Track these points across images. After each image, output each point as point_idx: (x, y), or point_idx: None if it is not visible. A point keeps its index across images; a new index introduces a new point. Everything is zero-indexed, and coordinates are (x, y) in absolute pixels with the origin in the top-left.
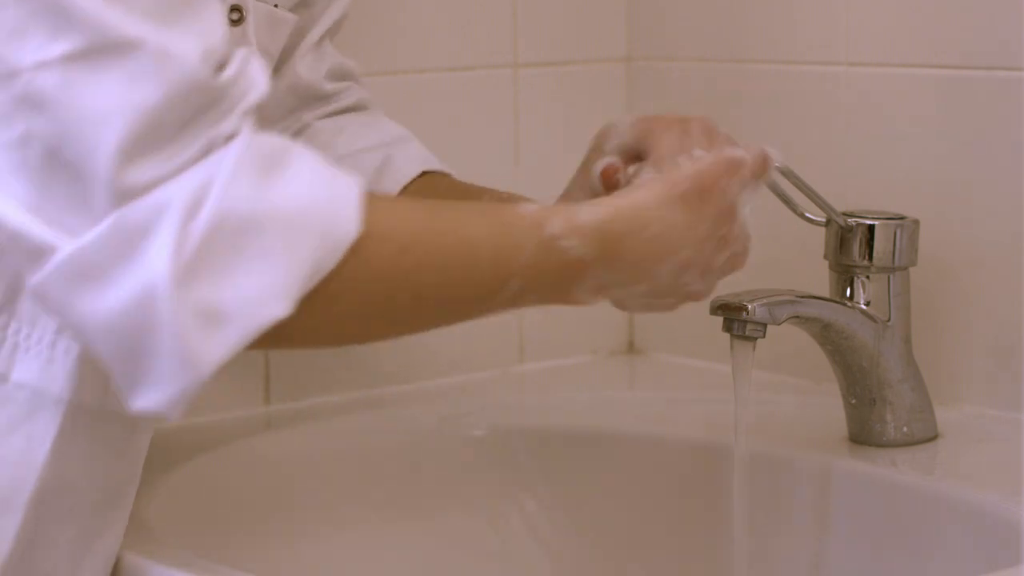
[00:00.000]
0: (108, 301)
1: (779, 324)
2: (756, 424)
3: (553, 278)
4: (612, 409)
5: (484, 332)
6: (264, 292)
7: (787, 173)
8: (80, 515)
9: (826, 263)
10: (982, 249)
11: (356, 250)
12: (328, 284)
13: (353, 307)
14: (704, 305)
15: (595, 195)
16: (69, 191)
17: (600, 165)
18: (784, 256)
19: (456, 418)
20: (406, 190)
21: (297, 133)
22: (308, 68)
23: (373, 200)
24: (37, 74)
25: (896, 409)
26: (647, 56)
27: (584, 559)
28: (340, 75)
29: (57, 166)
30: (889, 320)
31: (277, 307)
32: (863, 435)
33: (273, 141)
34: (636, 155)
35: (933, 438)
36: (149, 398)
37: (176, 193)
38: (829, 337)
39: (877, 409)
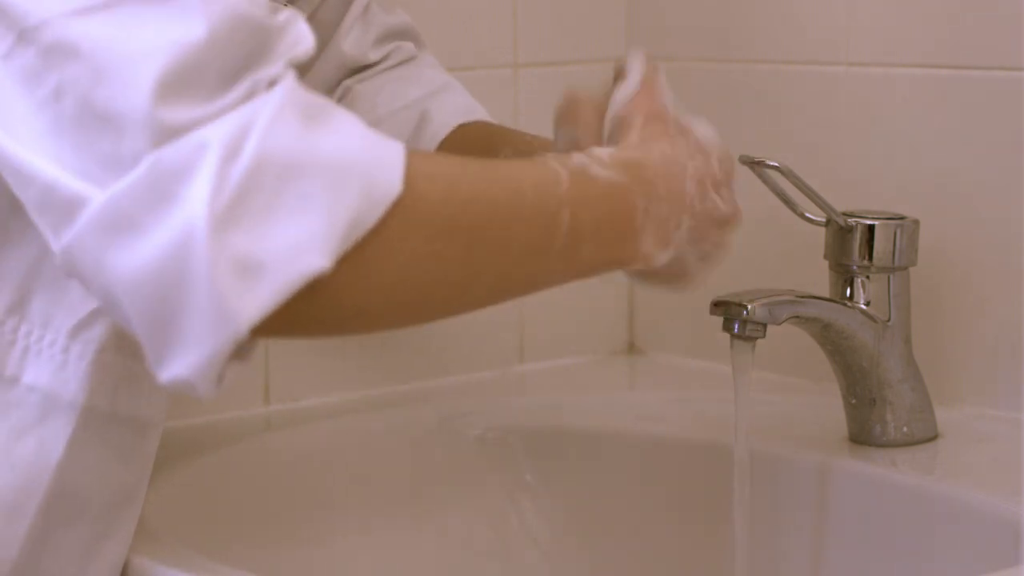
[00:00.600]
0: (142, 253)
1: (779, 324)
2: (756, 424)
3: (603, 209)
4: (612, 409)
5: (484, 332)
6: (303, 242)
7: (787, 173)
8: (88, 519)
9: (826, 263)
10: (982, 249)
11: (400, 206)
12: (374, 241)
13: (403, 265)
14: (704, 305)
15: None
16: (103, 142)
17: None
18: (784, 256)
19: (456, 418)
20: (443, 144)
21: (339, 100)
22: (353, 43)
23: (412, 158)
24: (71, 21)
25: (896, 409)
26: (647, 56)
27: (584, 559)
28: (389, 36)
29: (91, 117)
30: (889, 320)
31: (316, 259)
32: (863, 435)
33: (315, 95)
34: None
35: (933, 438)
36: (180, 363)
37: (216, 133)
38: (829, 337)
39: (877, 409)
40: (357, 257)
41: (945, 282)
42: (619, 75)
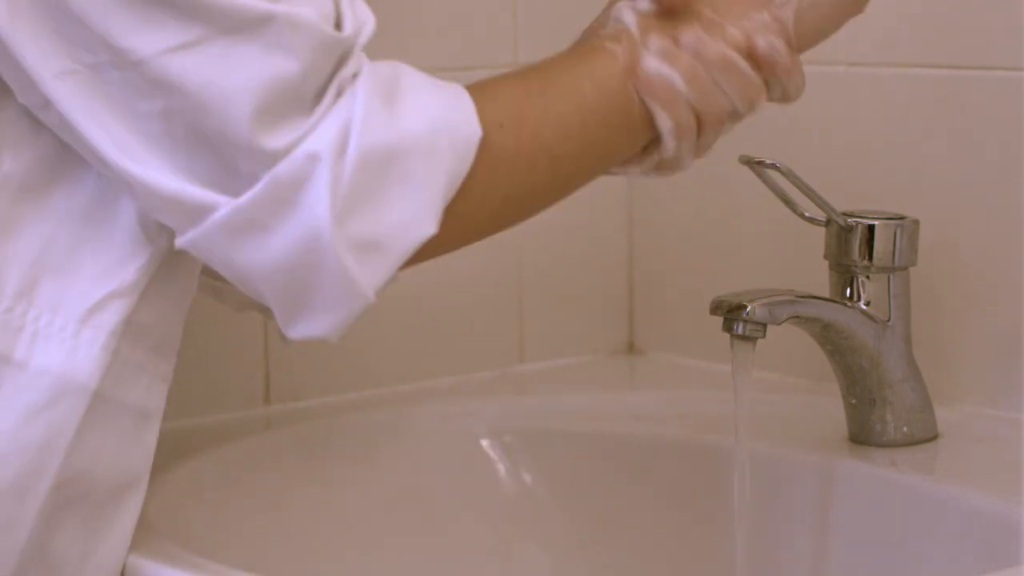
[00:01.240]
0: (271, 249)
1: (779, 324)
2: (756, 424)
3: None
4: (612, 409)
5: (484, 332)
6: (412, 215)
7: (787, 173)
8: (91, 504)
9: (826, 263)
10: (982, 249)
11: (482, 149)
12: (468, 188)
13: (496, 197)
14: (704, 305)
15: None
16: (219, 156)
17: None
18: (784, 256)
19: (456, 418)
20: None
21: None
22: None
23: (477, 99)
24: (172, 59)
25: (896, 409)
26: None
27: (584, 559)
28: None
29: (203, 140)
30: (889, 320)
31: (425, 227)
32: (863, 435)
33: (383, 64)
34: None
35: (933, 438)
36: (314, 325)
37: (322, 141)
38: (829, 337)
39: (877, 409)
40: (458, 207)
41: (945, 282)
42: None
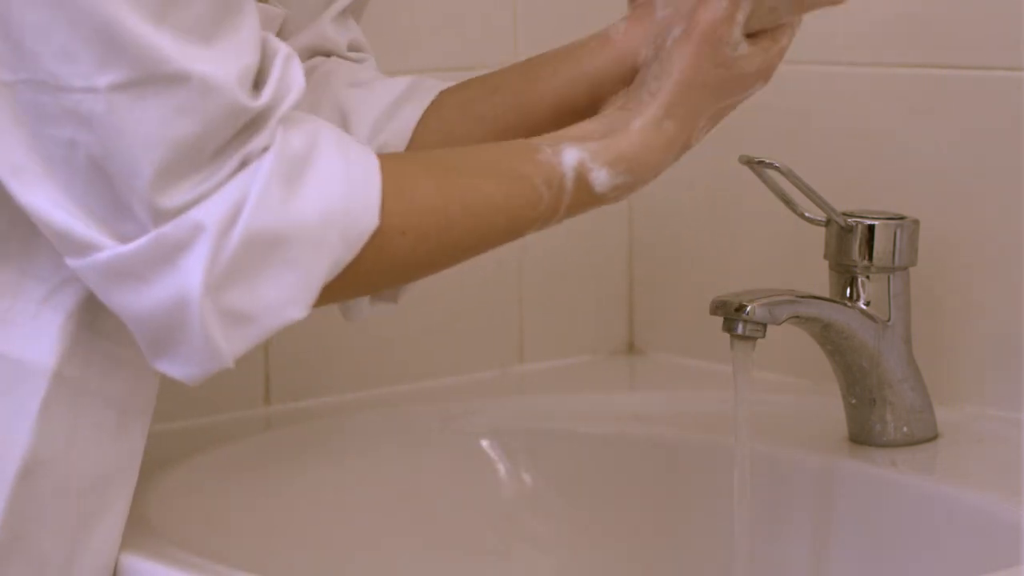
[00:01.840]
0: (143, 300)
1: (779, 324)
2: (756, 424)
3: (578, 210)
4: (612, 409)
5: (484, 332)
6: (285, 299)
7: (787, 173)
8: (73, 496)
9: (826, 263)
10: (982, 249)
11: (372, 242)
12: (345, 274)
13: (367, 288)
14: (704, 305)
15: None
16: (114, 197)
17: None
18: (784, 256)
19: (456, 418)
20: (436, 102)
21: (313, 68)
22: (334, 31)
23: (388, 182)
24: (85, 97)
25: (896, 409)
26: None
27: (584, 559)
28: (358, 48)
29: (102, 175)
30: (889, 320)
31: (295, 311)
32: (863, 435)
33: (302, 137)
34: None
35: (933, 438)
36: (175, 369)
37: (212, 213)
38: (829, 337)
39: (877, 409)
40: (335, 284)
41: (945, 282)
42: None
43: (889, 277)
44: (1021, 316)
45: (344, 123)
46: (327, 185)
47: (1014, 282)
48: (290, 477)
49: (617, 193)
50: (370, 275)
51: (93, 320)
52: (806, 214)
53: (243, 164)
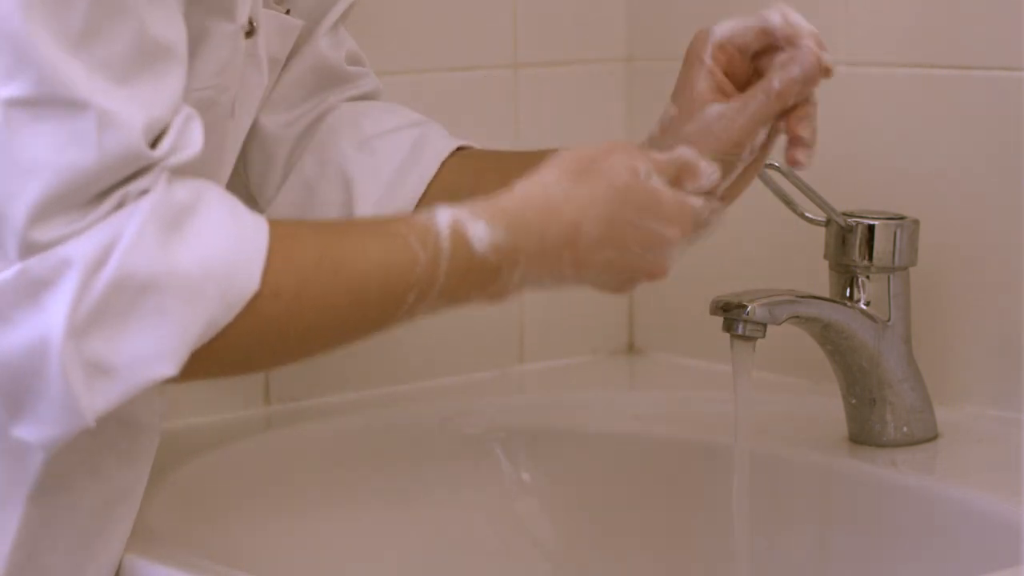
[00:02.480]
0: (7, 340)
1: (779, 324)
2: (756, 424)
3: (463, 277)
4: (612, 409)
5: (484, 332)
6: (154, 352)
7: (787, 173)
8: (82, 516)
9: (826, 263)
10: (982, 249)
11: (252, 305)
12: (217, 339)
13: (240, 356)
14: (704, 305)
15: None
16: None
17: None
18: (784, 256)
19: (456, 418)
20: (445, 164)
21: (320, 116)
22: (330, 47)
23: (274, 243)
24: None
25: (896, 409)
26: (647, 56)
27: (584, 559)
28: (355, 60)
29: None
30: (889, 320)
31: (164, 367)
32: (863, 435)
33: (187, 189)
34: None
35: (933, 438)
36: (30, 431)
37: (81, 250)
38: (829, 337)
39: (877, 409)
40: (201, 349)
41: (945, 282)
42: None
43: (889, 277)
44: (1021, 316)
45: (348, 192)
46: (210, 237)
47: (1014, 282)
48: (290, 477)
49: (500, 256)
50: (243, 342)
51: None
52: (806, 214)
53: (120, 205)
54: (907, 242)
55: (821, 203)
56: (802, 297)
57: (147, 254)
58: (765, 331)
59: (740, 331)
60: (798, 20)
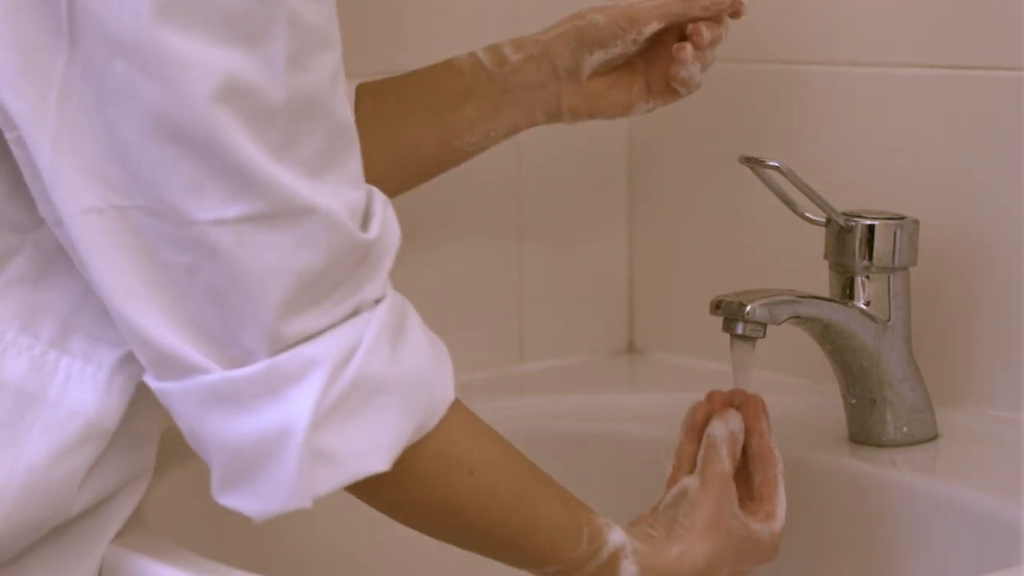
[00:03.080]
0: (239, 427)
1: (779, 324)
2: None
3: None
4: (612, 409)
5: (484, 332)
6: (374, 447)
7: (787, 173)
8: (73, 534)
9: (826, 263)
10: (982, 249)
11: (440, 423)
12: (420, 445)
13: (431, 471)
14: (704, 305)
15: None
16: (226, 323)
17: None
18: (784, 256)
19: None
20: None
21: None
22: None
23: (455, 407)
24: (212, 229)
25: (896, 409)
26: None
27: None
28: None
29: (217, 301)
30: (889, 320)
31: (379, 463)
32: (863, 435)
33: (401, 303)
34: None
35: (933, 438)
36: (245, 504)
37: (327, 351)
38: (829, 337)
39: (877, 409)
40: (405, 459)
41: (945, 282)
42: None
43: (889, 277)
44: (1021, 316)
45: None
46: (420, 348)
47: (1014, 282)
48: None
49: None
50: (437, 458)
51: (143, 384)
52: (806, 214)
53: (356, 312)
54: (907, 242)
55: (821, 203)
56: (802, 297)
57: (381, 359)
58: (765, 331)
59: (740, 331)
60: None
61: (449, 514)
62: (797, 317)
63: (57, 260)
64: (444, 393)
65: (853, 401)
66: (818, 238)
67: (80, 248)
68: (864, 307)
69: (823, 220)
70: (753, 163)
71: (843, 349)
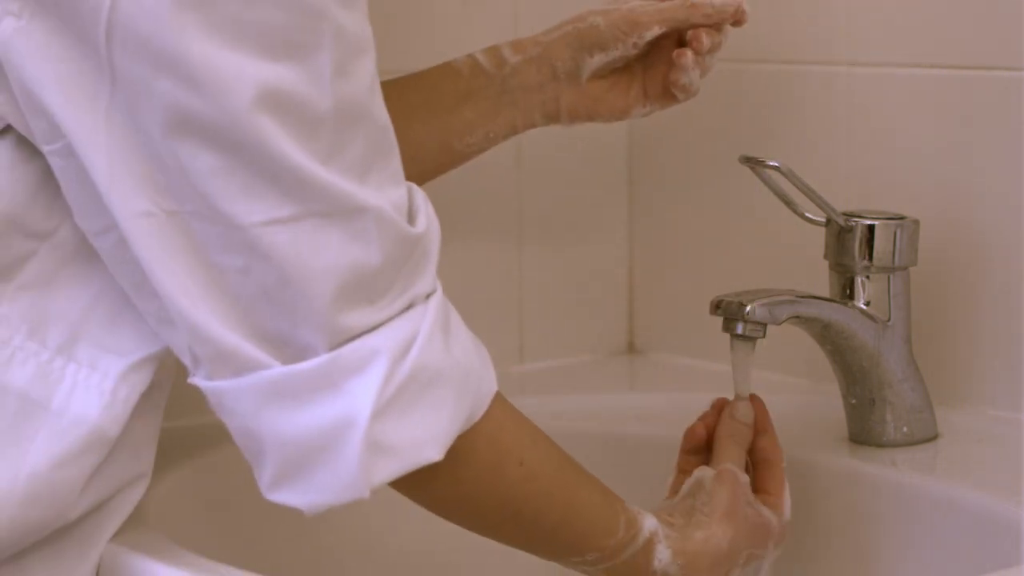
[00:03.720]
0: (298, 421)
1: (779, 324)
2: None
3: (627, 570)
4: (612, 409)
5: (484, 332)
6: (429, 437)
7: (787, 173)
8: (71, 539)
9: (826, 263)
10: (982, 249)
11: (496, 401)
12: (470, 435)
13: (486, 461)
14: (704, 305)
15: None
16: (280, 321)
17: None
18: (784, 256)
19: None
20: None
21: None
22: None
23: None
24: (266, 230)
25: (896, 409)
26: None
27: None
28: None
29: (272, 304)
30: (889, 320)
31: (434, 452)
32: (863, 435)
33: (445, 299)
34: None
35: (933, 438)
36: (299, 498)
37: (387, 342)
38: (829, 337)
39: (877, 409)
40: (456, 447)
41: (945, 282)
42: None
43: (889, 277)
44: (1021, 316)
45: None
46: (465, 340)
47: (1014, 282)
48: None
49: None
50: (483, 444)
51: (149, 390)
52: (806, 214)
53: (410, 306)
54: (907, 242)
55: (821, 203)
56: (802, 297)
57: (436, 350)
58: (765, 331)
59: (740, 331)
60: None
61: (499, 504)
62: (797, 317)
63: (69, 268)
64: (489, 384)
65: (853, 401)
66: (818, 238)
67: (136, 251)
68: (864, 307)
69: (823, 220)
70: (753, 163)
71: (843, 349)
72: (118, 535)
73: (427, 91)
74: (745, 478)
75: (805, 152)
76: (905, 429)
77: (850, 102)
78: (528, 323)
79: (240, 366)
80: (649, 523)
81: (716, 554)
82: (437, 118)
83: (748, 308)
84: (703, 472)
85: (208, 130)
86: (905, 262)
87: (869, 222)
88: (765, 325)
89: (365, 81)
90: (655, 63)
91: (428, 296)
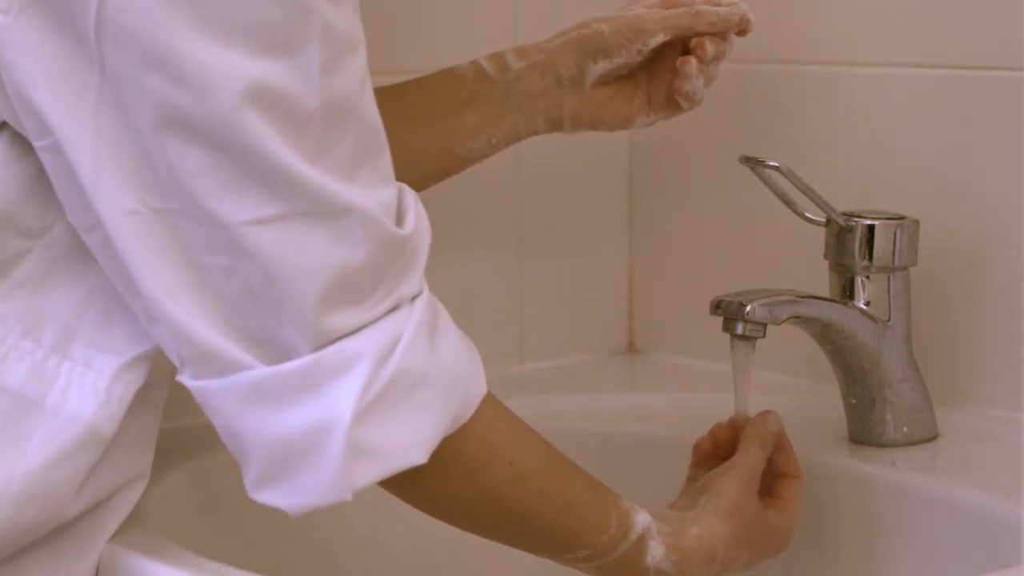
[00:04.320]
0: (280, 423)
1: (779, 324)
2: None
3: (620, 567)
4: (612, 409)
5: (484, 332)
6: (413, 440)
7: (787, 173)
8: (70, 538)
9: (826, 263)
10: (982, 249)
11: (484, 404)
12: (456, 437)
13: (474, 461)
14: (704, 305)
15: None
16: (265, 321)
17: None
18: (784, 256)
19: None
20: None
21: None
22: None
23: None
24: (251, 229)
25: (896, 409)
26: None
27: None
28: None
29: (257, 304)
30: (889, 320)
31: (418, 455)
32: (863, 435)
33: (433, 301)
34: None
35: (933, 438)
36: (283, 499)
37: (369, 345)
38: (829, 337)
39: (877, 409)
40: (441, 450)
41: (945, 282)
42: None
43: (889, 277)
44: (1021, 316)
45: None
46: (454, 342)
47: (1014, 282)
48: None
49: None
50: (471, 445)
51: (144, 388)
52: (806, 214)
53: (395, 307)
54: (907, 242)
55: (821, 203)
56: (802, 297)
57: (420, 352)
58: (765, 331)
59: (740, 331)
60: None
61: (489, 504)
62: (797, 317)
63: (62, 265)
64: (478, 386)
65: (853, 401)
66: (818, 238)
67: (120, 250)
68: (864, 307)
69: (823, 220)
70: (753, 163)
71: (843, 349)
72: (117, 535)
73: (430, 96)
74: (757, 481)
75: (805, 152)
76: (905, 429)
77: (850, 102)
78: (528, 323)
79: (223, 367)
80: (642, 519)
81: (710, 551)
82: (439, 123)
83: (748, 308)
84: (718, 470)
85: (195, 127)
86: (905, 262)
87: (869, 222)
88: (765, 325)
89: (355, 79)
90: (659, 71)
91: (414, 298)
